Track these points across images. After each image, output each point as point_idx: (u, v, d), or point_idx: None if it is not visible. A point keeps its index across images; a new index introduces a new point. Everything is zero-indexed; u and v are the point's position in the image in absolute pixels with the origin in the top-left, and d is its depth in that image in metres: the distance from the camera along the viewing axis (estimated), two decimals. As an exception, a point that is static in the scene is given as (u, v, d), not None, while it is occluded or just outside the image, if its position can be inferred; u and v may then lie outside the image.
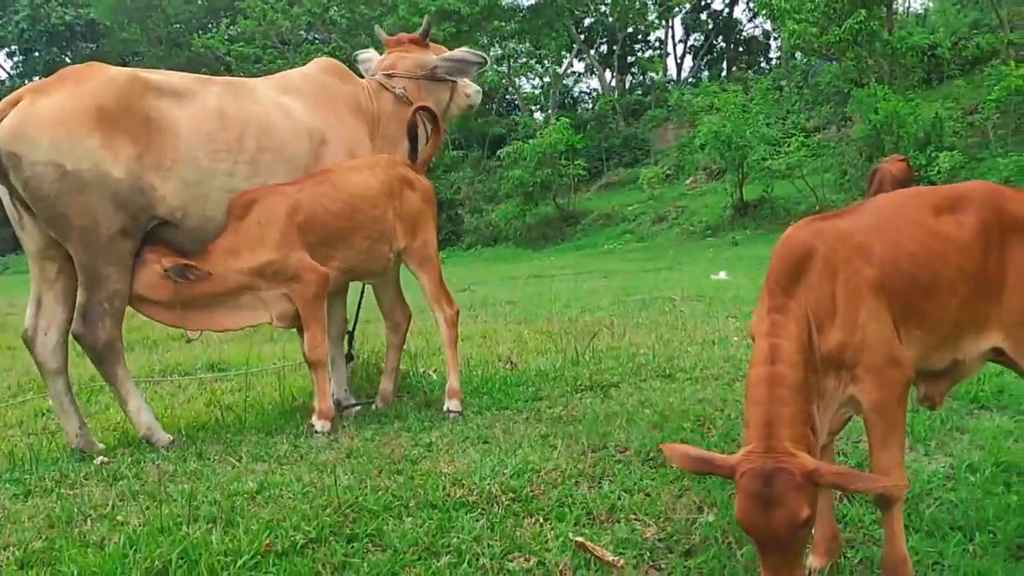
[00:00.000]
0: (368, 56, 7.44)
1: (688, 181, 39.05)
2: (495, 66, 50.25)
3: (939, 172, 25.21)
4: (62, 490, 4.79)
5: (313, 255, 5.95)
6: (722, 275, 18.40)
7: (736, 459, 3.20)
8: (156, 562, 3.66)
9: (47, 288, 5.80)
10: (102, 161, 5.49)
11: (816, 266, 3.41)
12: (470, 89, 7.43)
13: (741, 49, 57.09)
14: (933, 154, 26.07)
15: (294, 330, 6.30)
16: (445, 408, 6.38)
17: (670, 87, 50.05)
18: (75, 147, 5.43)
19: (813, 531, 3.55)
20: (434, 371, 8.04)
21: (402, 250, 6.41)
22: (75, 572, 3.60)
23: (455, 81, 7.23)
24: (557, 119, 41.80)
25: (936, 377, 3.78)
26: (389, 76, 6.96)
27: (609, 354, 8.23)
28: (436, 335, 10.16)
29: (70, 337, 5.76)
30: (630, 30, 53.40)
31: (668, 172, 40.36)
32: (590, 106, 54.78)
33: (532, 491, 4.54)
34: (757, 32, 56.57)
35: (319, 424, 5.89)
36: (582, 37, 52.27)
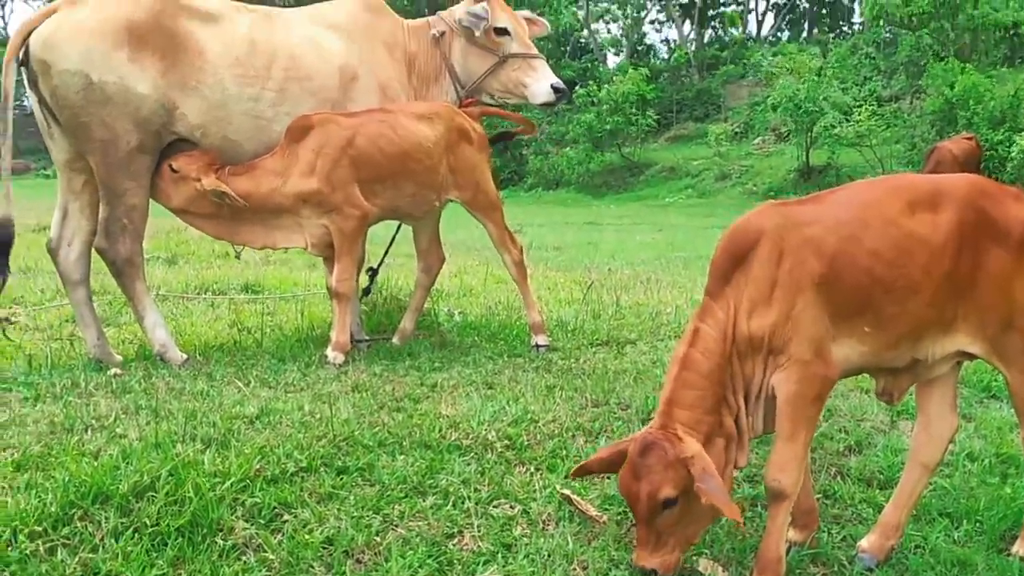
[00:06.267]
0: None
1: (756, 141, 38.59)
2: (573, 7, 49.69)
3: (1012, 156, 24.62)
4: (70, 398, 4.90)
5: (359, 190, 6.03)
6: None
7: (639, 434, 3.33)
8: (145, 476, 3.70)
9: (73, 199, 5.94)
10: (128, 75, 5.60)
11: (761, 251, 3.35)
12: (533, 81, 6.92)
13: (824, 11, 56.01)
14: (1007, 134, 25.47)
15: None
16: (533, 343, 6.58)
17: (748, 44, 49.32)
18: (103, 59, 5.55)
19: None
20: (459, 312, 8.08)
21: (465, 202, 6.51)
22: (66, 478, 3.66)
23: (500, 56, 6.82)
24: (635, 67, 41.31)
25: (896, 373, 3.68)
26: (438, 17, 6.93)
27: (633, 310, 8.24)
28: (471, 275, 10.30)
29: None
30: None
31: (737, 130, 39.96)
32: (666, 57, 54.04)
33: (527, 440, 4.59)
34: (843, -7, 55.50)
35: (332, 355, 5.95)
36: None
